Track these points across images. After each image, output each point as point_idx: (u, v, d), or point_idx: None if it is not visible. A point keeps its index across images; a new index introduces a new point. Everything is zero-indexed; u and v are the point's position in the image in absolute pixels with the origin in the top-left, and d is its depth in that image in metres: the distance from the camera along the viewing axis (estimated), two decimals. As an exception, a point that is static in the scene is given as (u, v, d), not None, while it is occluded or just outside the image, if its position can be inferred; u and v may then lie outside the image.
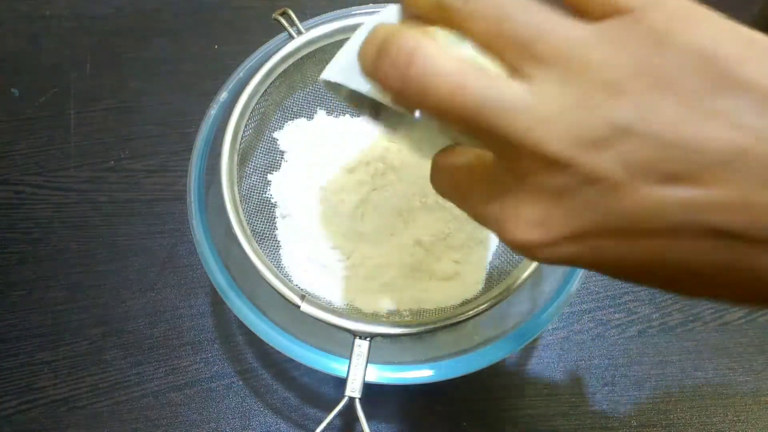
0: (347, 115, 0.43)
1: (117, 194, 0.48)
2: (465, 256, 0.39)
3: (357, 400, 0.31)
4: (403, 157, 0.38)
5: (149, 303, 0.44)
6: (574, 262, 0.19)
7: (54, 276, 0.45)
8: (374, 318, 0.37)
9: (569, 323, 0.44)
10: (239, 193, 0.36)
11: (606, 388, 0.42)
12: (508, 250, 0.39)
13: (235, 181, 0.36)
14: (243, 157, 0.38)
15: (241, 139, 0.37)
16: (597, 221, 0.17)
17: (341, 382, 0.32)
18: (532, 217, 0.18)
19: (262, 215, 0.39)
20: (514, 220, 0.18)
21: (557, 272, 0.37)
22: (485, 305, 0.33)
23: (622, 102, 0.16)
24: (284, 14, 0.39)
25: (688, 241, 0.16)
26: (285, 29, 0.39)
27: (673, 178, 0.16)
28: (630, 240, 0.17)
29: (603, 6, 0.17)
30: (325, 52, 0.40)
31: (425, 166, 0.37)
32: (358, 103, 0.24)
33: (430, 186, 0.23)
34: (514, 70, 0.17)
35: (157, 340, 0.43)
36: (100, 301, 0.44)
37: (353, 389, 0.31)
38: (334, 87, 0.22)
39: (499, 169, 0.19)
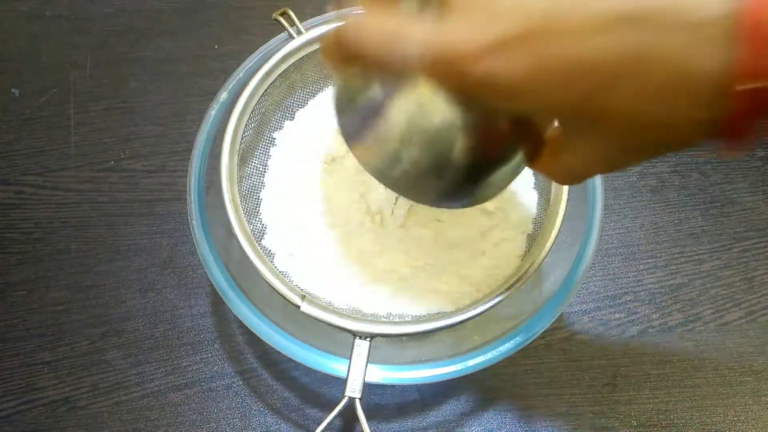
0: (347, 115, 0.43)
1: (117, 194, 0.48)
2: (466, 256, 0.39)
3: (357, 400, 0.31)
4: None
5: (149, 303, 0.44)
6: (499, 75, 0.20)
7: (54, 276, 0.45)
8: (374, 318, 0.37)
9: (569, 323, 0.44)
10: (239, 193, 0.36)
11: (606, 388, 0.42)
12: (509, 252, 0.39)
13: (235, 181, 0.36)
14: (243, 157, 0.38)
15: (241, 139, 0.37)
16: (519, 25, 0.19)
17: (341, 382, 0.32)
18: (462, 27, 0.20)
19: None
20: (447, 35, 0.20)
21: (557, 272, 0.37)
22: (485, 305, 0.33)
23: None
24: (284, 14, 0.39)
25: (601, 36, 0.18)
26: (285, 29, 0.39)
27: None
28: (549, 41, 0.19)
29: None
30: (325, 52, 0.40)
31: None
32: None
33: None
34: None
35: (157, 340, 0.43)
36: (100, 301, 0.44)
37: (353, 389, 0.31)
38: None
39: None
